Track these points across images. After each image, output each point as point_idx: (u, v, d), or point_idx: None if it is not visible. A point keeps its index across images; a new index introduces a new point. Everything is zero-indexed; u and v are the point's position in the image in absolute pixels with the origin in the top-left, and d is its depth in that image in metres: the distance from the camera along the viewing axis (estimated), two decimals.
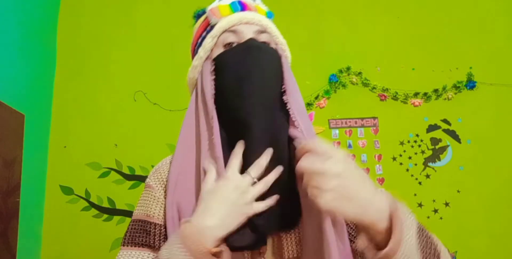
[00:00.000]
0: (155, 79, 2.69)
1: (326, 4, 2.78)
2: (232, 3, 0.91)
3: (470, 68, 2.66)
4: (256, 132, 0.78)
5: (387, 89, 2.66)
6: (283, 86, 0.85)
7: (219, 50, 0.88)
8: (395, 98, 2.66)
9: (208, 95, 0.84)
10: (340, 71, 2.69)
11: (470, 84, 2.64)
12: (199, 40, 0.94)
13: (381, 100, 2.67)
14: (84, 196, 2.56)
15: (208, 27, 0.92)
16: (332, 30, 2.72)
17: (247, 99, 0.80)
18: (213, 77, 0.86)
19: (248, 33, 0.87)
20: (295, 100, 0.84)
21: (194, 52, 0.96)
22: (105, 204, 2.56)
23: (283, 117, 0.84)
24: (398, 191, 2.64)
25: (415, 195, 2.55)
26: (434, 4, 2.76)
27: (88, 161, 2.59)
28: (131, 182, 2.59)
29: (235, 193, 0.72)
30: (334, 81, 2.66)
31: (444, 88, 2.65)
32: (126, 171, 2.60)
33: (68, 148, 2.61)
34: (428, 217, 2.52)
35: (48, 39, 2.68)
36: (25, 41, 2.39)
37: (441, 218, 2.52)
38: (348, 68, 2.69)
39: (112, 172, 2.59)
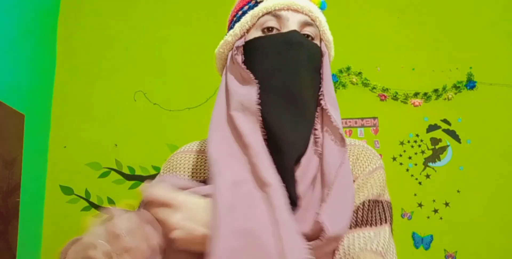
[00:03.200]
0: (155, 79, 2.69)
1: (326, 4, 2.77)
2: None
3: (470, 68, 2.66)
4: (279, 136, 0.72)
5: (387, 89, 2.66)
6: (320, 89, 0.78)
7: (257, 32, 0.78)
8: (395, 98, 2.66)
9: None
10: (340, 71, 2.69)
11: (470, 84, 2.64)
12: (239, 13, 0.82)
13: (381, 100, 2.67)
14: (84, 196, 2.56)
15: (252, 1, 0.81)
16: (331, 30, 2.72)
17: (274, 96, 0.73)
18: (243, 58, 0.78)
19: (293, 23, 0.77)
20: (332, 105, 0.77)
21: (231, 25, 0.85)
22: (105, 204, 2.56)
23: (312, 114, 0.77)
24: (398, 191, 2.65)
25: (415, 195, 2.55)
26: (434, 4, 2.76)
27: (88, 161, 2.59)
28: (131, 182, 2.59)
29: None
30: (334, 81, 2.66)
31: (444, 88, 2.65)
32: (126, 171, 2.60)
33: (68, 148, 2.61)
34: (428, 217, 2.52)
35: (48, 39, 2.68)
36: (25, 41, 2.39)
37: (441, 218, 2.52)
38: (348, 68, 2.69)
39: (112, 172, 2.59)
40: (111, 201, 2.56)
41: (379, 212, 0.76)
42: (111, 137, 2.62)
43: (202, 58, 2.70)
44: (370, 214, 0.75)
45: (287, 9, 0.77)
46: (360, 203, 0.75)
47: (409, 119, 2.64)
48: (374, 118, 2.65)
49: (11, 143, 2.16)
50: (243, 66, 0.76)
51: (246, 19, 0.79)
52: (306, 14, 0.79)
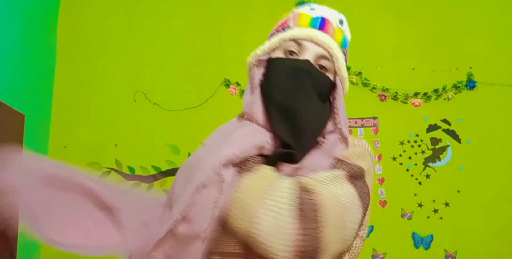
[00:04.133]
0: (155, 79, 2.69)
1: (326, 4, 2.77)
2: (315, 18, 0.94)
3: (470, 68, 2.66)
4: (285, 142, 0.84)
5: (387, 89, 2.66)
6: (336, 119, 0.93)
7: (280, 53, 0.92)
8: (395, 98, 2.66)
9: (255, 87, 0.91)
10: None
11: (470, 84, 2.64)
12: (274, 33, 0.97)
13: (381, 100, 2.67)
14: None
15: (285, 26, 0.95)
16: None
17: (281, 112, 0.86)
18: (264, 71, 0.91)
19: (311, 52, 0.90)
20: (345, 124, 0.92)
21: (269, 37, 0.99)
22: None
23: (326, 111, 0.92)
24: (398, 191, 2.65)
25: (415, 195, 2.55)
26: (434, 4, 2.76)
27: (88, 161, 2.59)
28: (131, 182, 2.58)
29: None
30: None
31: (444, 88, 2.65)
32: (126, 171, 2.60)
33: (68, 148, 2.61)
34: (428, 217, 2.52)
35: (48, 39, 2.68)
36: (25, 41, 2.39)
37: (441, 218, 2.52)
38: (348, 68, 2.67)
39: (112, 172, 2.59)
40: None
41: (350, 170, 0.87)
42: (111, 137, 2.62)
43: (202, 58, 2.70)
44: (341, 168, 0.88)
45: (310, 41, 0.91)
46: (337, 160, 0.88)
47: (409, 119, 2.64)
48: (374, 118, 2.65)
49: (11, 143, 2.16)
50: (257, 79, 0.91)
51: (275, 40, 0.93)
52: (325, 49, 0.91)
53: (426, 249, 2.48)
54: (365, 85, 2.68)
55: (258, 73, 0.92)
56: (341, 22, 0.97)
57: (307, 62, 0.89)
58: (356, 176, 0.85)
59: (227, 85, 2.68)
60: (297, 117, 0.85)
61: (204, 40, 2.74)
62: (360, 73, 2.68)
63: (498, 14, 2.73)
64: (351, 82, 2.69)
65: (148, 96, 2.68)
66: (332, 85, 0.93)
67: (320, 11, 0.96)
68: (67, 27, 2.76)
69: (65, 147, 2.61)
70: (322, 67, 0.91)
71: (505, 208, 2.49)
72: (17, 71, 2.29)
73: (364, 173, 0.87)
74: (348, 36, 0.99)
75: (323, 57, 0.91)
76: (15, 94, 2.24)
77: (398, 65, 2.69)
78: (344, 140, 0.91)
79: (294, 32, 0.92)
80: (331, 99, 0.95)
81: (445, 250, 2.48)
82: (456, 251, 2.48)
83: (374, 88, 2.67)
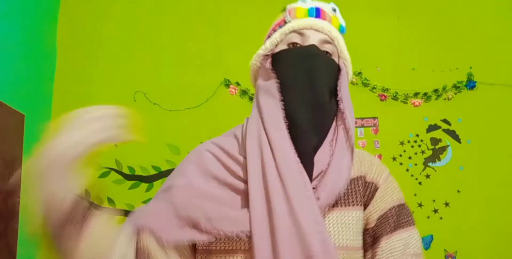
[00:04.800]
0: (155, 79, 2.69)
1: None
2: (310, 8, 0.97)
3: (470, 68, 2.66)
4: (299, 128, 0.86)
5: (387, 89, 2.66)
6: (338, 96, 0.93)
7: (283, 46, 0.94)
8: (395, 98, 2.66)
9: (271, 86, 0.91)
10: None
11: (470, 84, 2.64)
12: (271, 32, 1.00)
13: (381, 100, 2.67)
14: (84, 196, 2.56)
15: (282, 23, 0.98)
16: None
17: (295, 100, 0.88)
18: (271, 67, 0.93)
19: (313, 39, 0.93)
20: (349, 110, 0.92)
21: (265, 42, 1.01)
22: (105, 204, 2.56)
23: (330, 115, 0.92)
24: None
25: (415, 195, 2.55)
26: (434, 4, 2.76)
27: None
28: (131, 182, 2.59)
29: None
30: None
31: (444, 88, 2.65)
32: (126, 171, 2.60)
33: None
34: (428, 217, 2.52)
35: (48, 39, 2.68)
36: (25, 41, 2.39)
37: (441, 218, 2.52)
38: None
39: (112, 172, 2.59)
40: (111, 201, 2.56)
41: (406, 215, 0.93)
42: None
43: (202, 58, 2.71)
44: (400, 218, 0.92)
45: (310, 29, 0.94)
46: (388, 210, 0.92)
47: (409, 119, 2.64)
48: (374, 118, 2.65)
49: (11, 143, 2.16)
50: (269, 67, 0.93)
51: (276, 36, 0.96)
52: (325, 34, 0.94)
53: (426, 249, 2.48)
54: (365, 85, 2.68)
55: (269, 65, 0.93)
56: (334, 10, 1.01)
57: (314, 46, 0.91)
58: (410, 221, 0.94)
59: (227, 85, 2.68)
60: (318, 100, 0.88)
61: (204, 40, 2.74)
62: (360, 73, 2.68)
63: (498, 14, 2.73)
64: (351, 82, 2.68)
65: (148, 96, 2.68)
66: (338, 69, 0.95)
67: (312, 2, 0.99)
68: (67, 27, 2.75)
69: None
70: (326, 52, 0.94)
71: (505, 208, 2.49)
72: (17, 71, 2.29)
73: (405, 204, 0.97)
74: (343, 22, 1.03)
75: (326, 41, 0.94)
76: (15, 94, 2.24)
77: (398, 65, 2.69)
78: (349, 137, 0.91)
79: (293, 24, 0.94)
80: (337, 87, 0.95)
81: (445, 250, 2.48)
82: (456, 251, 2.48)
83: (374, 88, 2.67)
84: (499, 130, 2.58)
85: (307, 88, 0.88)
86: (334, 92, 0.93)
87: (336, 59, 0.95)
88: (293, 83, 0.89)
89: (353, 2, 2.77)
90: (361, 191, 0.91)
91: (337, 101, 0.93)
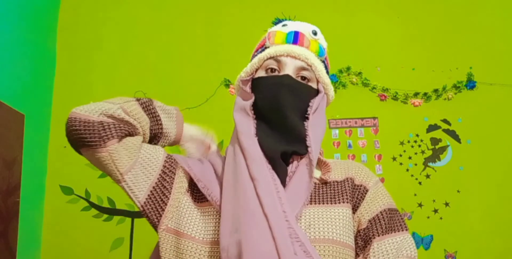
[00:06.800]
0: (155, 79, 2.69)
1: (326, 4, 2.78)
2: (289, 33, 0.98)
3: (470, 68, 2.66)
4: (266, 149, 0.89)
5: (387, 89, 2.66)
6: (307, 114, 0.94)
7: (262, 72, 0.98)
8: (395, 98, 2.66)
9: (247, 105, 0.96)
10: (340, 71, 2.69)
11: (470, 84, 2.64)
12: (254, 54, 1.04)
13: (381, 100, 2.67)
14: (84, 196, 2.56)
15: (263, 46, 1.01)
16: (331, 30, 2.72)
17: (270, 125, 0.92)
18: (250, 91, 0.97)
19: (290, 66, 0.95)
20: (314, 128, 0.93)
21: (249, 64, 1.04)
22: (105, 204, 2.56)
23: (301, 134, 0.93)
24: (398, 191, 2.64)
25: (415, 195, 2.55)
26: (434, 4, 2.76)
27: (88, 161, 2.59)
28: None
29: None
30: (334, 81, 2.66)
31: (444, 88, 2.65)
32: None
33: (68, 148, 2.59)
34: (428, 217, 2.52)
35: (48, 39, 2.68)
36: (25, 41, 2.39)
37: (441, 218, 2.52)
38: (348, 68, 2.69)
39: None
40: (111, 201, 2.56)
41: (398, 220, 0.94)
42: None
43: (202, 58, 2.71)
44: (391, 221, 0.93)
45: (287, 56, 0.95)
46: (379, 212, 0.93)
47: (409, 119, 2.64)
48: (374, 118, 2.65)
49: (11, 143, 2.16)
50: (249, 91, 0.97)
51: (255, 61, 0.99)
52: (302, 61, 0.96)
53: (426, 249, 2.48)
54: (365, 85, 2.68)
55: (248, 90, 0.97)
56: (314, 33, 1.00)
57: (287, 76, 0.94)
58: (402, 224, 0.96)
59: (227, 85, 2.68)
60: (289, 130, 0.91)
61: (204, 40, 2.74)
62: (360, 73, 2.68)
63: (498, 14, 2.73)
64: (351, 82, 2.69)
65: (148, 96, 2.67)
66: (317, 93, 0.98)
67: (293, 26, 1.00)
68: (67, 27, 2.76)
69: (65, 147, 2.61)
70: (303, 78, 0.96)
71: (505, 208, 2.49)
72: (17, 71, 2.29)
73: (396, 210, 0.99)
74: (324, 44, 1.02)
75: (302, 68, 0.95)
76: (15, 94, 2.24)
77: (398, 65, 2.69)
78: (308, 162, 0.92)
79: (270, 50, 0.97)
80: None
81: (445, 250, 2.48)
82: (456, 251, 2.48)
83: (374, 88, 2.67)
84: (499, 130, 2.58)
85: (277, 112, 0.92)
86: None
87: (314, 84, 0.97)
88: (266, 106, 0.93)
89: (353, 2, 2.77)
90: (349, 192, 0.93)
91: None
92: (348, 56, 2.68)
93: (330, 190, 0.93)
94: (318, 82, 0.98)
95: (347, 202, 0.92)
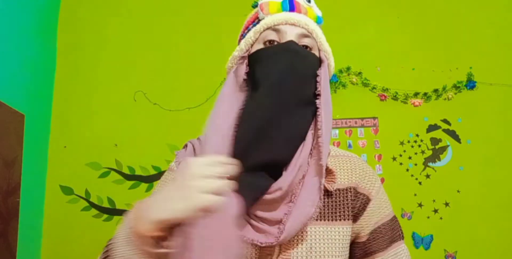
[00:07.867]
0: (155, 79, 2.69)
1: (326, 4, 2.77)
2: (283, 1, 0.90)
3: (470, 68, 2.66)
4: (269, 130, 0.80)
5: (387, 89, 2.66)
6: (317, 90, 0.86)
7: (260, 45, 0.88)
8: (395, 98, 2.66)
9: (238, 87, 0.87)
10: (340, 71, 2.69)
11: (470, 84, 2.64)
12: (245, 32, 0.93)
13: (381, 100, 2.67)
14: (84, 196, 2.56)
15: (255, 21, 0.91)
16: (331, 30, 2.72)
17: (271, 99, 0.82)
18: (247, 70, 0.87)
19: (290, 35, 0.87)
20: (326, 105, 0.85)
21: (238, 43, 0.95)
22: (105, 204, 2.56)
23: (308, 115, 0.85)
24: (398, 191, 2.65)
25: (415, 195, 2.55)
26: (434, 4, 2.76)
27: (88, 161, 2.59)
28: (131, 182, 2.59)
29: (192, 178, 0.67)
30: (334, 81, 2.66)
31: (444, 88, 2.65)
32: (126, 171, 2.60)
33: (68, 148, 2.61)
34: (428, 217, 2.52)
35: (48, 39, 2.68)
36: (25, 41, 2.39)
37: (441, 218, 2.52)
38: (348, 68, 2.69)
39: (112, 172, 2.59)
40: (111, 201, 2.56)
41: (397, 229, 0.92)
42: (111, 137, 2.62)
43: (202, 58, 2.70)
44: (393, 232, 0.90)
45: (285, 24, 0.87)
46: (381, 224, 0.89)
47: (409, 119, 2.64)
48: (374, 118, 2.65)
49: (11, 143, 2.16)
50: (246, 70, 0.87)
51: (250, 35, 0.89)
52: (302, 27, 0.88)
53: (426, 249, 2.48)
54: (365, 85, 2.68)
55: (241, 70, 0.88)
56: (308, 0, 0.92)
57: (292, 42, 0.85)
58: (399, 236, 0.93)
59: None
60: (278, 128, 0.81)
61: (204, 40, 2.74)
62: (360, 73, 2.68)
63: (498, 14, 2.73)
64: (351, 82, 2.69)
65: (148, 96, 2.68)
66: (320, 63, 0.89)
67: None
68: (67, 27, 2.76)
69: (65, 147, 2.61)
70: (305, 47, 0.88)
71: (505, 208, 2.49)
72: (17, 71, 2.29)
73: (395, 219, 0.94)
74: (319, 13, 0.95)
75: (304, 35, 0.88)
76: (15, 94, 2.24)
77: (398, 65, 2.69)
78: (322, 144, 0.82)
79: (267, 20, 0.88)
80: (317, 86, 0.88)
81: (445, 250, 2.48)
82: (456, 251, 2.48)
83: (374, 88, 2.67)
84: (499, 130, 2.58)
85: (283, 91, 0.82)
86: (314, 87, 0.87)
87: (316, 53, 0.89)
88: (268, 88, 0.82)
89: (354, 2, 2.77)
90: (351, 204, 0.86)
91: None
92: (348, 56, 2.68)
93: (332, 201, 0.86)
94: (319, 50, 0.90)
95: (348, 219, 0.86)
